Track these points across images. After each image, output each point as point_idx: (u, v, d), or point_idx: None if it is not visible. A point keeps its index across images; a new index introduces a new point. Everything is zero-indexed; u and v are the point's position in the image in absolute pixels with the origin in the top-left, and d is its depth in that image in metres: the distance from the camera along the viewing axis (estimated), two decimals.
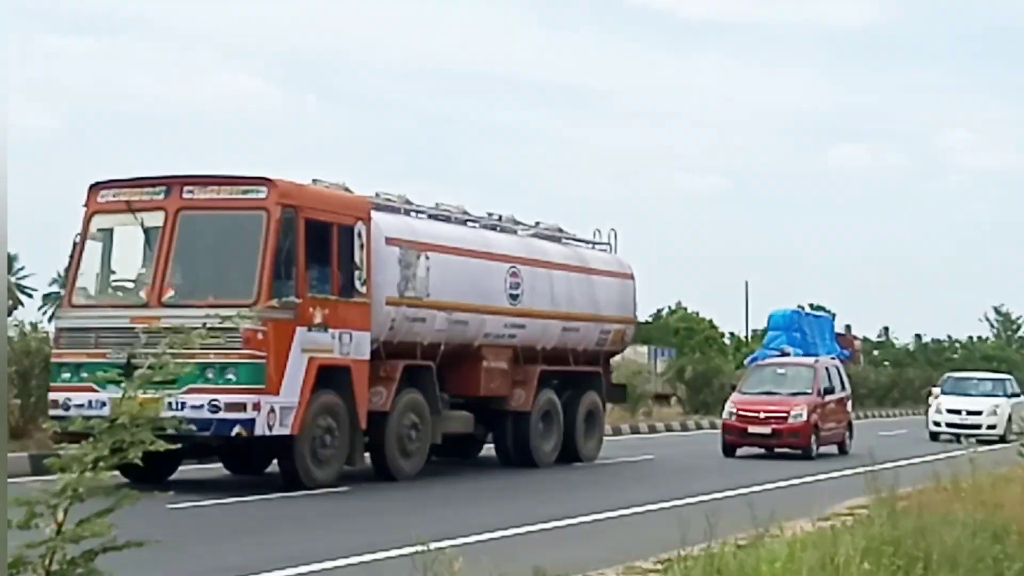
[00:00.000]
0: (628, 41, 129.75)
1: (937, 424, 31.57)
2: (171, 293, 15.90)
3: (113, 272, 17.18)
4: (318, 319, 15.84)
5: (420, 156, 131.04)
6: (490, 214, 21.29)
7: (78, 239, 16.85)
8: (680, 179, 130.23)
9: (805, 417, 24.09)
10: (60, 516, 4.43)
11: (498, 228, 21.12)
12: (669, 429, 35.61)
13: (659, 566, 9.17)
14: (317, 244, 16.32)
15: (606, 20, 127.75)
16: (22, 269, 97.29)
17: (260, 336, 14.92)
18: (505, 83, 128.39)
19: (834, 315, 49.14)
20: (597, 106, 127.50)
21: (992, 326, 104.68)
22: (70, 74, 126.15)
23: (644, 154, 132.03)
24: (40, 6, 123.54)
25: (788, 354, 30.90)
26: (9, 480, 8.81)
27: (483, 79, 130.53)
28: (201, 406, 14.77)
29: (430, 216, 19.73)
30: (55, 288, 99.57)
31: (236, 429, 15.05)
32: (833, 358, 29.01)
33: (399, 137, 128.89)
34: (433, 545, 6.71)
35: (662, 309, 78.89)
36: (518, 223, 21.77)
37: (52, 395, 16.16)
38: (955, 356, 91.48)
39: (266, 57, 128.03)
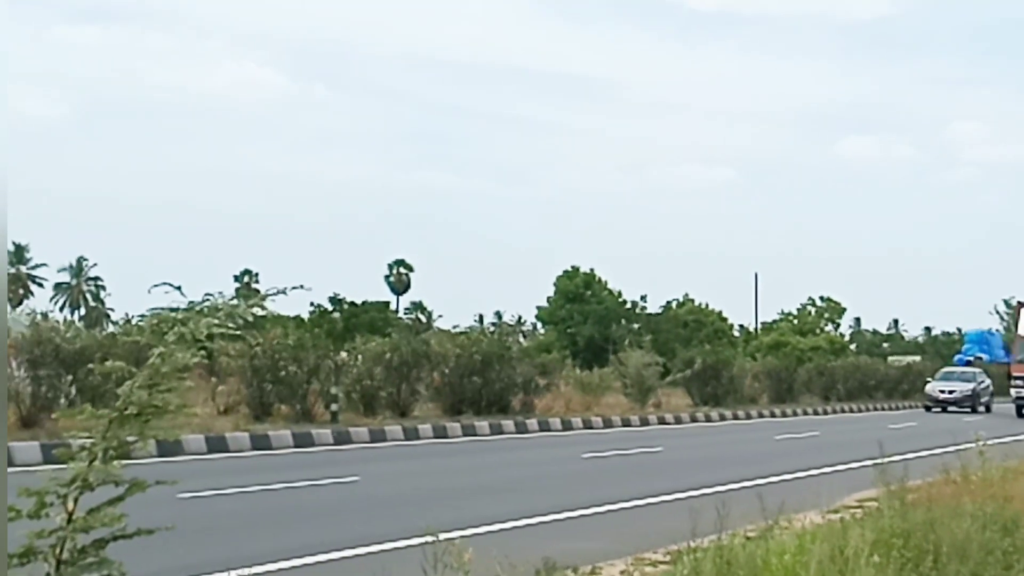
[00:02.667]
0: (638, 33, 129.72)
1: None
2: None
3: None
4: None
5: (429, 146, 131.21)
6: None
7: None
8: (689, 170, 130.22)
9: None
10: (70, 505, 4.44)
11: None
12: (679, 421, 35.61)
13: (668, 558, 9.16)
14: None
15: (617, 12, 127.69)
16: (32, 258, 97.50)
17: None
18: (515, 74, 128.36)
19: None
20: (606, 97, 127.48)
21: (1002, 319, 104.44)
22: (80, 63, 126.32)
23: (653, 145, 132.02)
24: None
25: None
26: (21, 469, 8.78)
27: (493, 70, 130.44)
28: None
29: None
30: (65, 278, 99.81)
31: None
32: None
33: (408, 127, 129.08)
34: (443, 536, 6.71)
35: (671, 301, 78.83)
36: None
37: None
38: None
39: (275, 47, 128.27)
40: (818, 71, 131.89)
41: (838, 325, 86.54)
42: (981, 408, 50.16)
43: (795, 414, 41.56)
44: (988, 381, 52.76)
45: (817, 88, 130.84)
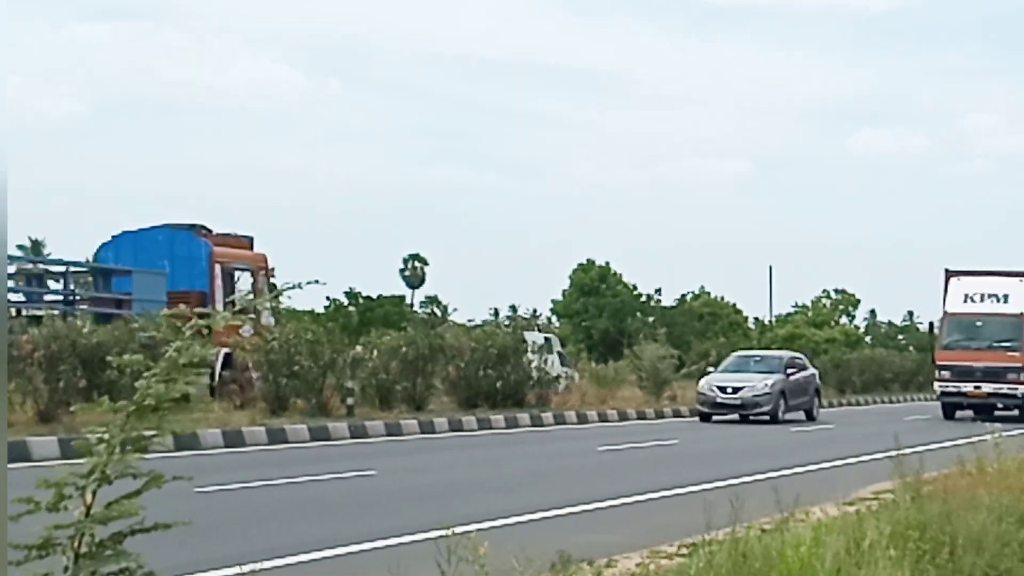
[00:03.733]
0: (651, 27, 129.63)
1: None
2: None
3: None
4: None
5: (444, 141, 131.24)
6: None
7: None
8: (703, 164, 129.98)
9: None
10: (88, 498, 4.46)
11: None
12: (694, 414, 35.59)
13: (684, 551, 9.17)
14: None
15: (629, 6, 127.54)
16: (49, 254, 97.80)
17: None
18: (529, 68, 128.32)
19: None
20: (620, 91, 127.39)
21: None
22: (95, 60, 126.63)
23: (668, 139, 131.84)
24: None
25: None
26: (39, 464, 8.81)
27: (507, 65, 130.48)
28: None
29: None
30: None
31: None
32: None
33: (423, 122, 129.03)
34: (458, 529, 6.73)
35: (686, 294, 78.79)
36: None
37: None
38: None
39: (290, 43, 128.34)
40: (831, 64, 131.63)
41: (853, 317, 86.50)
42: (789, 414, 32.50)
43: None
44: (810, 371, 35.04)
45: (830, 81, 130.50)
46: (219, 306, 23.48)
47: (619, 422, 30.94)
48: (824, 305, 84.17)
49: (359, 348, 27.64)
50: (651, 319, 71.51)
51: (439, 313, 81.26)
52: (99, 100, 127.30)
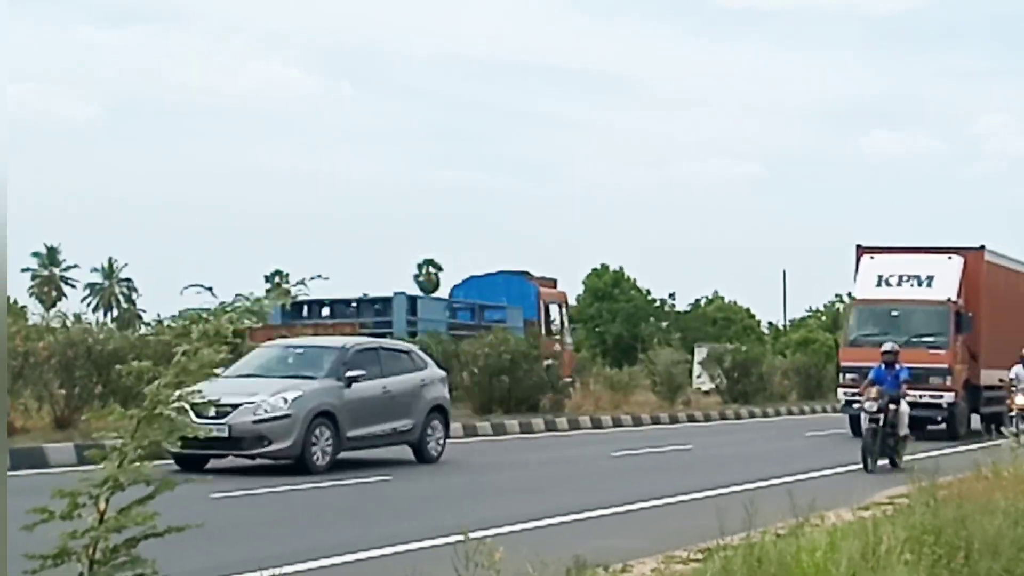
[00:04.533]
0: (663, 28, 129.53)
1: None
2: None
3: None
4: None
5: (456, 144, 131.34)
6: None
7: None
8: (716, 166, 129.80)
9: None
10: (102, 505, 4.47)
11: None
12: (708, 418, 35.54)
13: (699, 555, 9.16)
14: None
15: (640, 7, 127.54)
16: (64, 260, 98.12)
17: None
18: (540, 70, 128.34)
19: None
20: (632, 93, 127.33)
21: None
22: (107, 64, 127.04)
23: (679, 141, 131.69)
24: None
25: None
26: (56, 470, 8.83)
27: (519, 67, 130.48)
28: None
29: None
30: (97, 279, 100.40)
31: None
32: None
33: (436, 125, 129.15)
34: (474, 535, 6.73)
35: (699, 299, 78.73)
36: None
37: None
38: None
39: (301, 46, 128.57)
40: (843, 65, 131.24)
41: None
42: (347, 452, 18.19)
43: (824, 411, 41.37)
44: (416, 376, 19.32)
45: (843, 82, 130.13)
46: (543, 331, 34.14)
47: (634, 427, 30.91)
48: (838, 309, 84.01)
49: None
50: (665, 324, 71.48)
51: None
52: (111, 104, 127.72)
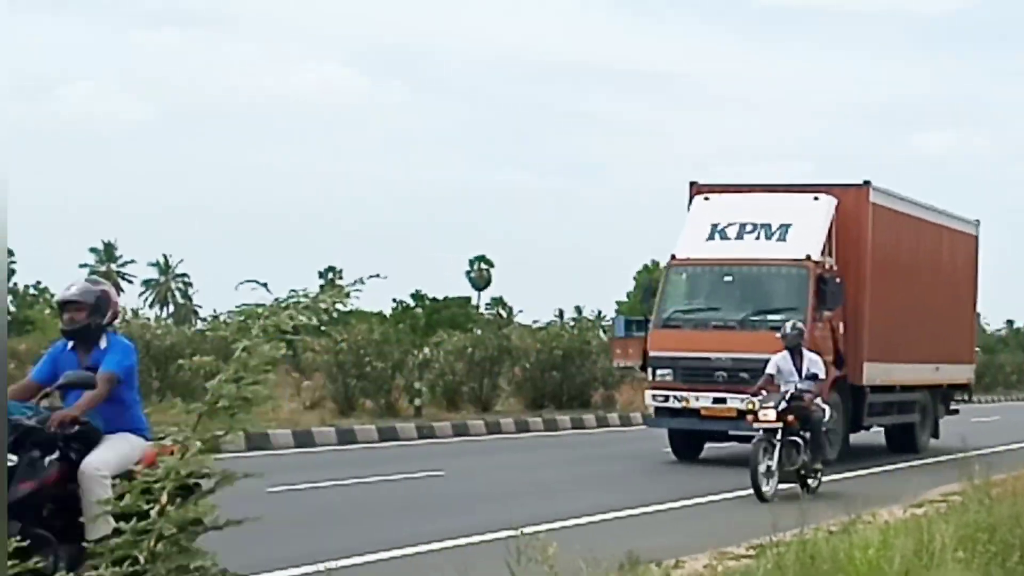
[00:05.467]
0: (713, 28, 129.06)
1: None
2: None
3: None
4: None
5: (505, 143, 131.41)
6: None
7: None
8: (765, 168, 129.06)
9: None
10: (163, 498, 4.55)
11: None
12: None
13: (751, 552, 9.16)
14: None
15: (691, 7, 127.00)
16: (121, 256, 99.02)
17: None
18: (592, 71, 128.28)
19: None
20: (683, 93, 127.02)
21: None
22: (162, 66, 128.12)
23: (729, 141, 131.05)
24: (131, 1, 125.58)
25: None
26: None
27: (570, 68, 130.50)
28: None
29: None
30: (153, 274, 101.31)
31: None
32: None
33: (485, 124, 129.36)
34: (527, 530, 6.77)
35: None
36: None
37: None
38: None
39: (356, 48, 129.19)
40: (893, 65, 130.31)
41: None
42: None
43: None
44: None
45: (890, 82, 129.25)
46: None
47: None
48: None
49: (427, 349, 27.79)
50: None
51: (504, 314, 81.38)
52: (167, 104, 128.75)
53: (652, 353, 19.23)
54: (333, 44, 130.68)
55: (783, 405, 14.67)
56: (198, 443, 4.59)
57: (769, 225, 19.19)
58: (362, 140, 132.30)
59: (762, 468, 14.27)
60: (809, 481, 14.88)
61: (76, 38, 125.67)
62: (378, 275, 5.27)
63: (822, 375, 15.48)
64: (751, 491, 14.36)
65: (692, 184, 20.44)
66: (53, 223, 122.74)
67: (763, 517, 8.46)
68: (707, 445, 20.04)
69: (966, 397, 25.02)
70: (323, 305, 5.03)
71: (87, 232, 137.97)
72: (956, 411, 24.32)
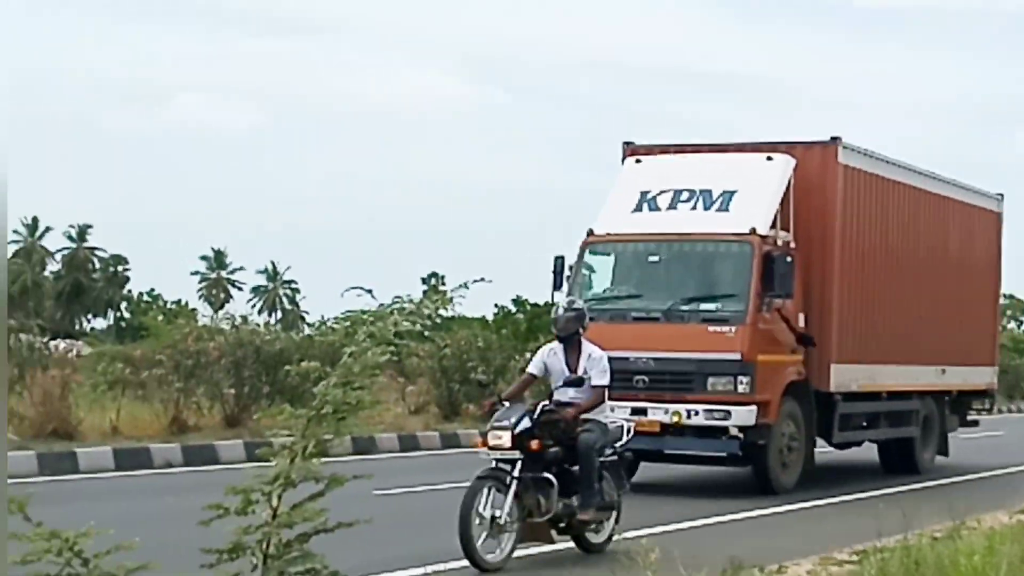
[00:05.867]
0: (806, 30, 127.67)
1: None
2: None
3: None
4: None
5: (603, 147, 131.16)
6: None
7: None
8: None
9: None
10: (275, 501, 4.68)
11: None
12: None
13: (855, 557, 9.13)
14: None
15: (786, 10, 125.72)
16: (231, 264, 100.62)
17: None
18: (685, 74, 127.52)
19: None
20: (773, 96, 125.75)
21: None
22: (269, 75, 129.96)
23: None
24: (240, 11, 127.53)
25: None
26: (226, 467, 9.14)
27: (665, 72, 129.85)
28: None
29: None
30: (262, 281, 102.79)
31: None
32: None
33: (584, 128, 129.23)
34: (629, 535, 6.83)
35: None
36: None
37: None
38: None
39: (455, 55, 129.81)
40: (988, 64, 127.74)
41: (1021, 323, 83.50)
42: None
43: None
44: None
45: (988, 81, 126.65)
46: None
47: None
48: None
49: (528, 355, 27.83)
50: None
51: None
52: (277, 113, 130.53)
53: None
54: (434, 52, 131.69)
55: (524, 424, 10.06)
56: (307, 447, 4.72)
57: (709, 192, 15.43)
58: (463, 146, 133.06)
59: (477, 520, 9.70)
60: (589, 535, 10.40)
61: (188, 48, 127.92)
62: (482, 279, 5.34)
63: (602, 380, 10.63)
64: (855, 496, 14.24)
65: (626, 145, 16.83)
66: (166, 231, 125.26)
67: (868, 522, 8.42)
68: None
69: (987, 406, 20.94)
70: (426, 311, 5.14)
71: (198, 240, 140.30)
72: (975, 422, 21.03)
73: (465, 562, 9.77)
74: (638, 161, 16.42)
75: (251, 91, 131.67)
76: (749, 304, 14.64)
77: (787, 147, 15.90)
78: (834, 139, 16.07)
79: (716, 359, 14.54)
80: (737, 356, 14.54)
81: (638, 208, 15.75)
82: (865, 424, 17.29)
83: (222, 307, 76.19)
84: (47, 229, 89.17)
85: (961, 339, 19.23)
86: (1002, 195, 20.63)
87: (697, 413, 14.54)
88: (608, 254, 16.04)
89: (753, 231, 14.94)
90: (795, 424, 15.31)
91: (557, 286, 15.95)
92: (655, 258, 15.53)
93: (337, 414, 4.81)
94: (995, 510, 10.94)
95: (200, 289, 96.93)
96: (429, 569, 9.18)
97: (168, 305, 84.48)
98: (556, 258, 15.76)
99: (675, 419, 14.27)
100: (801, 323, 15.37)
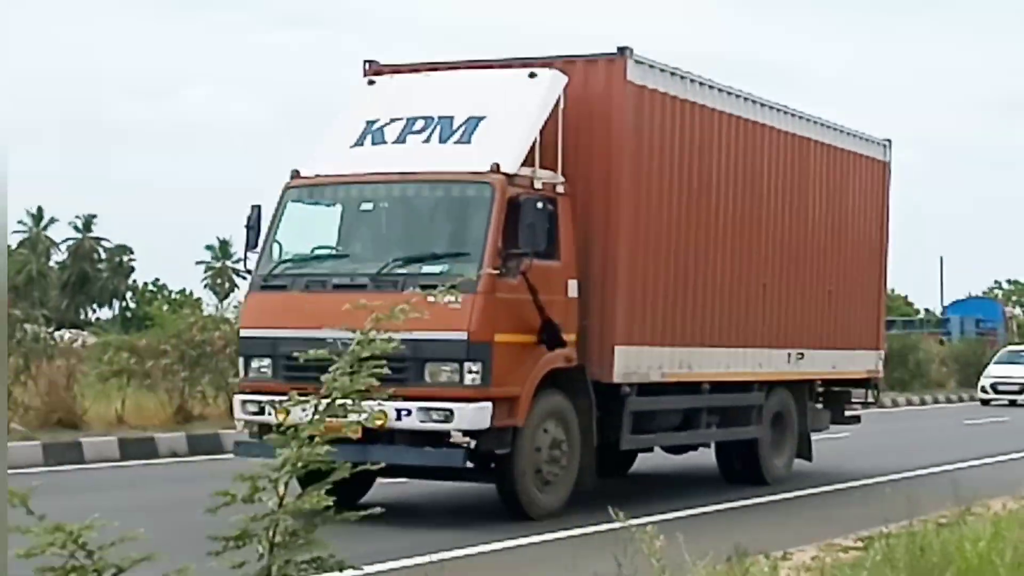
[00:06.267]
0: (834, 16, 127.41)
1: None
2: None
3: None
4: None
5: None
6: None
7: None
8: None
9: None
10: (281, 490, 4.69)
11: None
12: (910, 403, 35.12)
13: (860, 544, 9.14)
14: None
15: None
16: (235, 254, 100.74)
17: None
18: (710, 61, 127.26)
19: None
20: (793, 81, 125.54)
21: None
22: (279, 67, 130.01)
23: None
24: (245, 4, 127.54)
25: None
26: (232, 456, 9.07)
27: (671, 59, 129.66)
28: None
29: None
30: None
31: None
32: None
33: None
34: (632, 522, 6.84)
35: None
36: None
37: None
38: None
39: (467, 45, 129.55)
40: (1005, 52, 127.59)
41: None
42: None
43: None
44: None
45: (1001, 70, 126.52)
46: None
47: None
48: (996, 295, 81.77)
49: None
50: None
51: None
52: (285, 105, 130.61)
53: (243, 332, 12.40)
54: (442, 44, 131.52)
55: None
56: (314, 435, 4.72)
57: (451, 119, 11.87)
58: None
59: None
60: None
61: (195, 40, 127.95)
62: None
63: None
64: (857, 483, 14.24)
65: (367, 65, 13.20)
66: (171, 221, 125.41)
67: (872, 509, 8.44)
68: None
69: (870, 398, 17.06)
70: (432, 300, 5.17)
71: (203, 230, 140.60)
72: (856, 419, 17.24)
73: (464, 551, 9.74)
74: (371, 83, 12.81)
75: (257, 82, 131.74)
76: (483, 265, 11.04)
77: (563, 62, 12.43)
78: (622, 50, 12.38)
79: (436, 339, 10.61)
80: (462, 335, 10.92)
81: (359, 142, 12.13)
82: (669, 425, 13.50)
83: (227, 297, 76.27)
84: (52, 219, 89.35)
85: (830, 317, 15.65)
86: (889, 141, 17.12)
87: (410, 413, 10.81)
88: (316, 202, 12.49)
89: (496, 168, 11.31)
90: (562, 426, 11.72)
91: (251, 244, 12.36)
92: (368, 206, 12.16)
93: (344, 402, 4.82)
94: (1002, 495, 10.93)
95: (205, 279, 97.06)
96: (435, 557, 9.20)
97: (173, 295, 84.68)
98: (252, 207, 12.30)
99: (376, 422, 9.39)
100: (572, 292, 11.85)
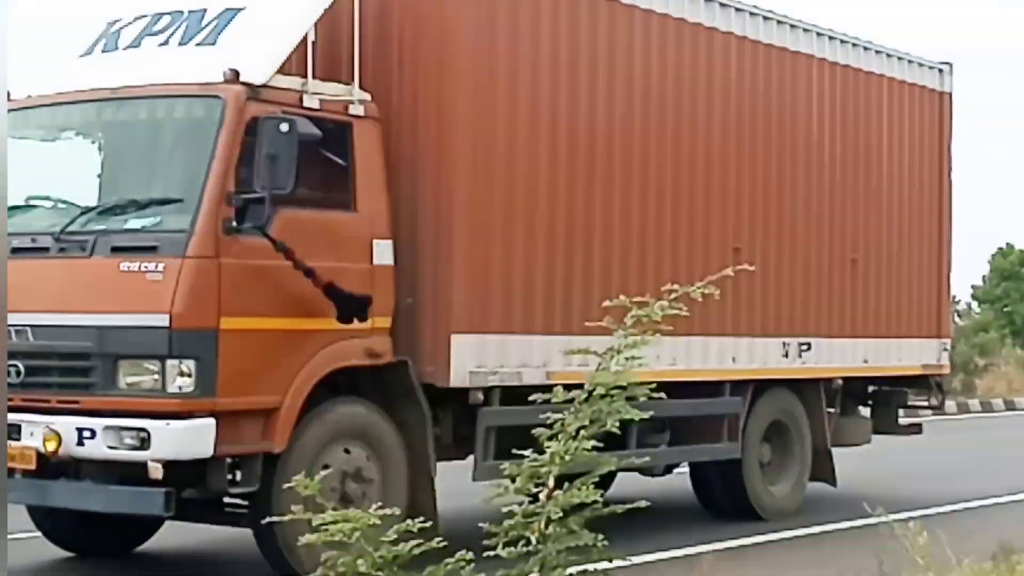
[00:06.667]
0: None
1: None
2: None
3: None
4: None
5: None
6: None
7: None
8: None
9: None
10: (550, 482, 4.79)
11: None
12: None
13: None
14: None
15: None
16: None
17: None
18: None
19: None
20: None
21: None
22: None
23: None
24: None
25: None
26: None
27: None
28: None
29: None
30: None
31: None
32: None
33: None
34: (895, 517, 6.73)
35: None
36: None
37: None
38: None
39: None
40: None
41: None
42: None
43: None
44: None
45: None
46: None
47: None
48: None
49: None
50: None
51: None
52: None
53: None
54: None
55: None
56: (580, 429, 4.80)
57: (200, 14, 8.57)
58: None
59: None
60: None
61: None
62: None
63: None
64: None
65: None
66: None
67: None
68: None
69: (932, 401, 13.34)
70: (694, 295, 5.21)
71: None
72: (916, 428, 13.56)
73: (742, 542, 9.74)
74: None
75: None
76: (199, 216, 7.65)
77: None
78: None
79: (129, 326, 7.61)
80: (163, 319, 7.52)
81: (90, 50, 8.95)
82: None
83: None
84: None
85: (856, 294, 12.00)
86: (949, 64, 13.13)
87: (93, 435, 7.56)
88: (22, 136, 8.62)
89: (234, 76, 7.92)
90: (371, 449, 8.28)
91: None
92: (70, 134, 8.97)
93: (607, 398, 4.87)
94: None
95: None
96: (692, 551, 9.19)
97: None
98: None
99: (49, 446, 7.51)
100: (380, 257, 8.43)
